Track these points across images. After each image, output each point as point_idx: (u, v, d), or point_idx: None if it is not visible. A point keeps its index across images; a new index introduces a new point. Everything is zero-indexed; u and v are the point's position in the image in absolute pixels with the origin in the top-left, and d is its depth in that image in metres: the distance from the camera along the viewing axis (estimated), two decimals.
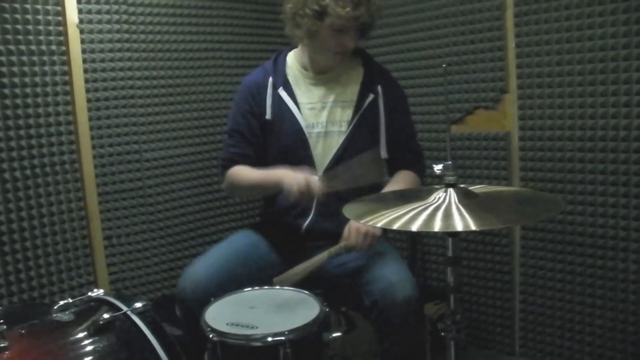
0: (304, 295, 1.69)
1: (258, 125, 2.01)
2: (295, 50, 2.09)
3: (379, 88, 2.00)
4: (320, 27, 1.89)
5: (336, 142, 1.97)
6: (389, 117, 2.01)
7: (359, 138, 1.96)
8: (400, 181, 1.99)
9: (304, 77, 2.04)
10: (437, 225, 1.27)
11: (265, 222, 2.15)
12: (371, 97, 1.99)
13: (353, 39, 1.92)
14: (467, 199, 1.37)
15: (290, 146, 1.97)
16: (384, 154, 2.01)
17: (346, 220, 1.79)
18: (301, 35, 1.95)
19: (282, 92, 1.99)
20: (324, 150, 1.98)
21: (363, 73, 2.04)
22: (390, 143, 2.02)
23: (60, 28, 2.19)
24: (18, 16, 2.07)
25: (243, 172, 2.00)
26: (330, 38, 1.91)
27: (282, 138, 1.99)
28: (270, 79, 2.01)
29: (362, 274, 1.83)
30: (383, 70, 2.12)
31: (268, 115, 1.99)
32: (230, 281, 1.80)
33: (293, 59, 2.07)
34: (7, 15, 2.05)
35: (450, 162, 1.40)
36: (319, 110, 2.00)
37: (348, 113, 1.99)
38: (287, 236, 2.00)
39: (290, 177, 1.79)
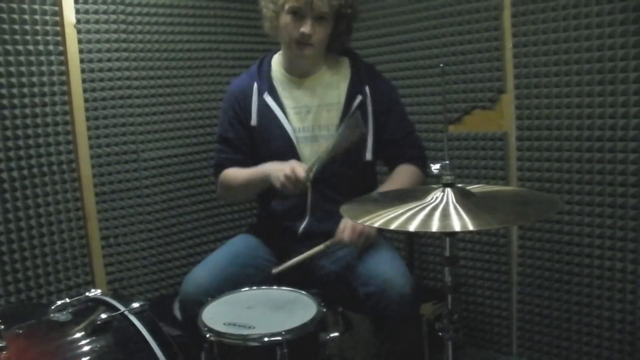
0: (301, 295, 1.69)
1: (245, 132, 2.02)
2: (279, 52, 2.07)
3: (367, 89, 1.98)
4: (278, 11, 1.90)
5: (324, 146, 1.96)
6: (377, 119, 1.99)
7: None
8: (398, 176, 1.99)
9: (289, 80, 2.03)
10: (435, 225, 1.26)
11: (261, 224, 2.15)
12: (359, 99, 1.97)
13: (311, 27, 1.87)
14: (465, 199, 1.37)
15: (278, 151, 1.96)
16: (369, 156, 1.99)
17: (340, 219, 1.81)
18: (268, 26, 1.97)
19: (268, 98, 1.98)
20: (311, 154, 1.96)
21: (350, 74, 2.02)
22: (385, 143, 2.01)
23: (58, 28, 2.19)
24: (15, 16, 2.07)
25: (232, 174, 2.02)
26: (289, 24, 1.89)
27: (269, 143, 1.99)
28: (255, 84, 2.01)
29: (357, 268, 1.84)
30: (371, 69, 2.09)
31: (253, 122, 1.99)
32: (231, 285, 1.81)
33: (277, 62, 2.06)
34: (4, 15, 2.04)
35: (447, 162, 1.40)
36: (305, 114, 1.99)
37: (335, 116, 1.97)
38: (284, 239, 2.01)
39: (275, 167, 1.82)
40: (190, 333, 1.70)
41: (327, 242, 1.86)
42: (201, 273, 1.86)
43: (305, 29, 1.87)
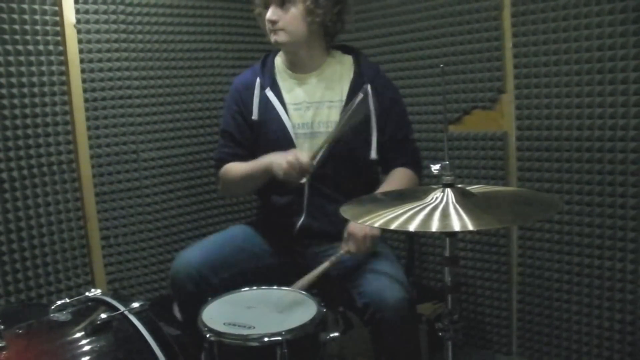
0: (301, 295, 1.69)
1: (246, 126, 2.03)
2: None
3: (369, 87, 1.97)
4: (260, 8, 1.97)
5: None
6: (380, 117, 1.98)
7: (348, 139, 1.93)
8: (396, 179, 1.98)
9: (290, 77, 2.04)
10: (435, 225, 1.27)
11: (260, 220, 2.17)
12: (361, 96, 1.97)
13: (273, 12, 1.91)
14: (465, 199, 1.37)
15: (277, 146, 1.95)
16: (374, 154, 1.99)
17: (338, 220, 1.79)
18: (262, 26, 2.01)
19: (269, 93, 2.00)
20: (309, 150, 1.95)
21: (353, 71, 2.02)
22: (383, 143, 2.00)
23: (58, 28, 2.19)
24: (15, 16, 2.07)
25: (234, 167, 2.03)
26: (263, 16, 1.96)
27: (269, 138, 1.99)
28: (258, 80, 2.02)
29: (354, 275, 1.83)
30: (374, 67, 2.08)
31: (255, 116, 2.00)
32: (222, 264, 1.85)
33: (280, 59, 2.09)
34: (4, 16, 2.04)
35: (447, 162, 1.41)
36: (305, 111, 2.00)
37: (335, 113, 1.97)
38: (281, 234, 2.02)
39: (278, 156, 1.83)
40: (190, 332, 1.70)
41: (333, 258, 1.85)
42: (193, 252, 1.91)
43: (268, 14, 1.92)
